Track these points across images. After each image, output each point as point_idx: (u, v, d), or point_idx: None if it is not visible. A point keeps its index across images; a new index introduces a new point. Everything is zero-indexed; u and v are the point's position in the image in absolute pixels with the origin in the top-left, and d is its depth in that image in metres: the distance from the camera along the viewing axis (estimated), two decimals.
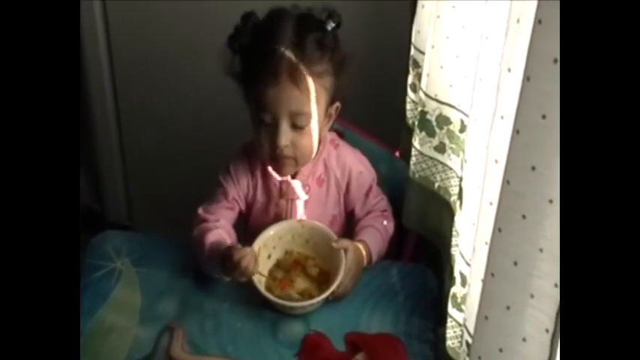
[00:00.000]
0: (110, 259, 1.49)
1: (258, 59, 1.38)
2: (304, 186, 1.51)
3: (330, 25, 1.40)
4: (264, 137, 1.41)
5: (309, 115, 1.39)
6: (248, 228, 1.56)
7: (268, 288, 1.41)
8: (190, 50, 2.09)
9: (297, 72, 1.35)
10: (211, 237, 1.43)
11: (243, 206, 1.54)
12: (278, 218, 1.52)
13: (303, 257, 1.46)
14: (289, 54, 1.35)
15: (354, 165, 1.55)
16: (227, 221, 1.50)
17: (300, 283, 1.43)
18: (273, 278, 1.44)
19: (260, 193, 1.53)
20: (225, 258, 1.37)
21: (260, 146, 1.43)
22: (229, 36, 1.41)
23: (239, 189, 1.52)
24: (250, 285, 1.38)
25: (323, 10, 1.42)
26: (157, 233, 1.60)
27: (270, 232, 1.46)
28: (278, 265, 1.46)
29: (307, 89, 1.36)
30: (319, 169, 1.52)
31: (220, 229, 1.46)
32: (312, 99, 1.37)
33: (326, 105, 1.43)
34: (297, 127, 1.39)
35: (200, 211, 1.50)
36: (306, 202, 1.52)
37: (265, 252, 1.45)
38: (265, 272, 1.44)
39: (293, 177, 1.50)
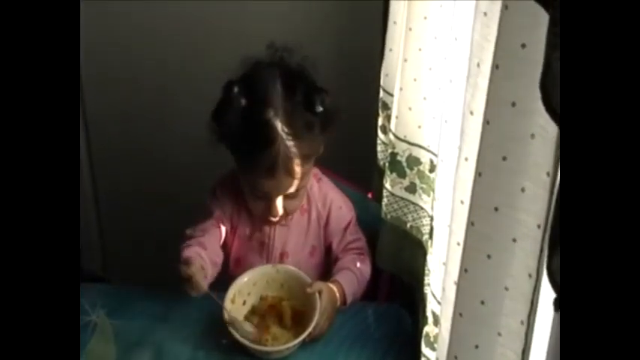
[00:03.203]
0: (85, 312, 1.48)
1: (251, 151, 1.38)
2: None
3: (319, 108, 1.39)
4: (257, 204, 1.47)
5: (301, 187, 1.44)
6: (231, 256, 1.57)
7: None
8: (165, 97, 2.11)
9: (292, 164, 1.37)
10: (186, 252, 1.44)
11: (228, 227, 1.55)
12: (261, 245, 1.55)
13: (278, 300, 1.47)
14: (284, 149, 1.35)
15: (335, 199, 1.58)
16: (214, 237, 1.52)
17: (276, 328, 1.43)
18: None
19: (244, 218, 1.55)
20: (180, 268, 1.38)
21: (252, 207, 1.49)
22: (214, 111, 1.41)
23: (224, 210, 1.54)
24: (226, 332, 1.38)
25: (309, 85, 1.41)
26: (132, 284, 1.60)
27: (245, 278, 1.47)
28: (253, 311, 1.46)
29: (301, 172, 1.39)
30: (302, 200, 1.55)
31: (199, 247, 1.46)
32: (306, 175, 1.42)
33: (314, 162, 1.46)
34: (290, 196, 1.44)
35: (188, 230, 1.52)
36: (288, 228, 1.54)
37: (240, 298, 1.45)
38: (241, 318, 1.44)
39: None
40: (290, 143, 1.36)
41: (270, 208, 1.44)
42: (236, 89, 1.38)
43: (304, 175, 1.41)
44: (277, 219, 1.48)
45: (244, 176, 1.45)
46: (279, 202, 1.44)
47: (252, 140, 1.37)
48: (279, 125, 1.35)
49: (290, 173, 1.37)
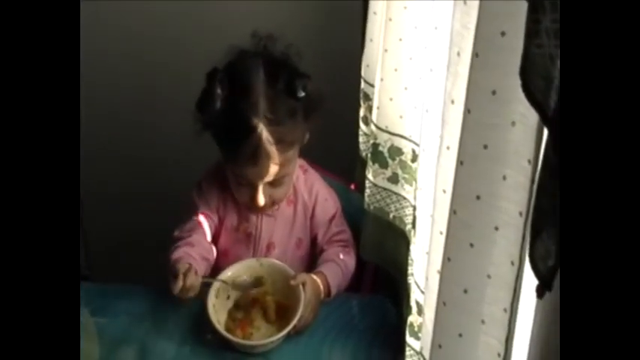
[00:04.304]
0: None
1: (234, 138, 1.38)
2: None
3: (301, 93, 1.39)
4: (242, 193, 1.46)
5: (285, 175, 1.43)
6: (219, 248, 1.56)
7: (228, 329, 1.40)
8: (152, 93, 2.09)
9: (274, 150, 1.37)
10: (175, 254, 1.44)
11: (216, 219, 1.55)
12: (248, 236, 1.55)
13: (262, 293, 1.46)
14: (266, 135, 1.35)
15: (321, 191, 1.58)
16: (201, 236, 1.51)
17: (260, 322, 1.43)
18: (233, 319, 1.44)
19: (230, 209, 1.54)
20: (170, 272, 1.38)
21: (237, 196, 1.49)
22: (198, 100, 1.40)
23: (210, 203, 1.54)
24: (210, 327, 1.37)
25: (291, 71, 1.41)
26: (115, 281, 1.59)
27: (228, 272, 1.46)
28: (237, 305, 1.46)
29: (284, 159, 1.39)
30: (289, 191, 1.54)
31: (187, 247, 1.46)
32: (289, 162, 1.41)
33: (299, 149, 1.46)
34: (274, 184, 1.44)
35: (176, 232, 1.51)
36: (274, 219, 1.54)
37: (224, 293, 1.45)
38: (224, 313, 1.43)
39: None
40: (272, 129, 1.36)
41: (254, 197, 1.44)
42: (218, 78, 1.38)
43: (287, 162, 1.41)
44: (262, 207, 1.47)
45: (228, 165, 1.45)
46: (263, 189, 1.43)
47: (234, 129, 1.37)
48: (260, 113, 1.35)
49: (272, 160, 1.37)
